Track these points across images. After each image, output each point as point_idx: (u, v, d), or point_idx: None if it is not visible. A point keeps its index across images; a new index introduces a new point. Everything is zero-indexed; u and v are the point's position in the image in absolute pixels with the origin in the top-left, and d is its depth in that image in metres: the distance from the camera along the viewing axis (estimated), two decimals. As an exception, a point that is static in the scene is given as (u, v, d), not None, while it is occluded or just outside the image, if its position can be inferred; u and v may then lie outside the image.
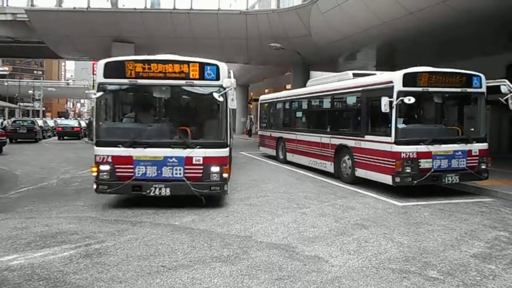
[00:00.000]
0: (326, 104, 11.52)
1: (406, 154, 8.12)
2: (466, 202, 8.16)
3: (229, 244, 5.26)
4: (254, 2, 23.95)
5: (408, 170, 8.12)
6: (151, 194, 6.83)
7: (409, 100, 7.77)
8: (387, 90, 8.28)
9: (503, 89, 8.43)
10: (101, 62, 7.06)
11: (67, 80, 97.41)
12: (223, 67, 7.01)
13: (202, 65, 6.94)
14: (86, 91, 7.48)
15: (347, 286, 4.01)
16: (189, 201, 7.22)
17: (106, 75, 6.99)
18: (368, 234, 5.80)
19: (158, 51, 12.43)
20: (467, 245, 5.38)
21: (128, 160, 6.85)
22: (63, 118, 52.74)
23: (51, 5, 20.84)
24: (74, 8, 19.31)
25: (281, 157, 14.73)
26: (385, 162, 8.45)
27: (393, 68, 10.13)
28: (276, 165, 14.19)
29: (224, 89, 6.80)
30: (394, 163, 8.17)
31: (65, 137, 31.10)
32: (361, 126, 9.46)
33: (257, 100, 20.32)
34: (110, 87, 7.26)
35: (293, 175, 11.77)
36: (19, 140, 26.00)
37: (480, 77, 8.76)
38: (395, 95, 8.07)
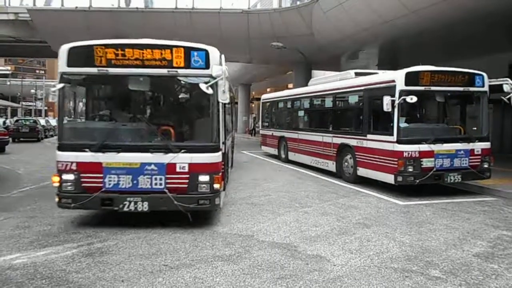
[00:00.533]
0: (328, 103, 11.52)
1: (408, 153, 8.10)
2: (469, 201, 8.14)
3: (231, 243, 5.26)
4: (256, 1, 23.92)
5: (410, 169, 8.11)
6: (125, 209, 5.62)
7: (411, 99, 7.76)
8: (389, 89, 8.27)
9: (506, 88, 8.43)
10: (64, 47, 5.78)
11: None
12: (213, 52, 5.77)
13: (188, 50, 5.73)
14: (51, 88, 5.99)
15: (349, 285, 4.01)
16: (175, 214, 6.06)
17: (70, 63, 5.75)
18: (370, 233, 5.79)
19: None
20: (470, 244, 5.37)
21: (97, 167, 5.65)
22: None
23: (53, 4, 20.91)
24: (76, 7, 19.36)
25: (283, 156, 14.73)
26: (387, 161, 8.44)
27: (395, 67, 10.11)
28: (278, 164, 14.19)
29: (214, 78, 5.55)
30: (396, 162, 8.16)
31: None
32: (363, 125, 9.45)
33: (258, 99, 20.33)
34: (75, 78, 6.04)
35: (295, 174, 11.76)
36: (21, 139, 26.05)
37: (482, 76, 8.75)
38: (397, 94, 8.07)
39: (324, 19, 17.13)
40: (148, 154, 5.67)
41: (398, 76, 8.27)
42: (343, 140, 10.33)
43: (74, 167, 5.67)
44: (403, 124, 8.31)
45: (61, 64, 5.76)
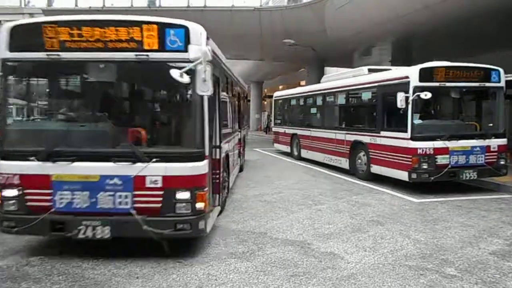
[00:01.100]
0: (341, 100, 11.45)
1: (422, 150, 8.02)
2: (484, 198, 8.03)
3: (244, 241, 5.28)
4: (267, -2, 24.01)
5: (424, 166, 8.02)
6: (80, 235, 4.35)
7: (426, 95, 7.68)
8: (403, 86, 8.18)
9: (523, 83, 8.28)
10: (6, 27, 4.54)
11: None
12: (195, 29, 4.45)
13: (162, 27, 4.41)
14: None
15: (363, 283, 3.99)
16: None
17: (13, 47, 4.49)
18: (384, 231, 5.76)
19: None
20: (486, 242, 5.30)
21: (44, 181, 4.39)
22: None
23: (68, 5, 21.25)
24: (90, 7, 19.63)
25: (296, 153, 14.70)
26: (401, 158, 8.36)
27: (409, 63, 10.01)
28: (290, 161, 14.18)
29: (192, 62, 4.25)
30: (410, 159, 8.08)
31: None
32: (376, 122, 9.38)
33: (271, 96, 20.31)
34: (19, 66, 4.68)
35: (308, 171, 11.73)
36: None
37: (498, 71, 8.60)
38: (411, 90, 7.98)
39: (337, 15, 17.05)
40: (110, 164, 4.38)
41: (412, 72, 8.18)
42: (356, 137, 10.27)
43: (17, 180, 4.46)
44: (417, 121, 8.22)
45: (2, 49, 4.50)
